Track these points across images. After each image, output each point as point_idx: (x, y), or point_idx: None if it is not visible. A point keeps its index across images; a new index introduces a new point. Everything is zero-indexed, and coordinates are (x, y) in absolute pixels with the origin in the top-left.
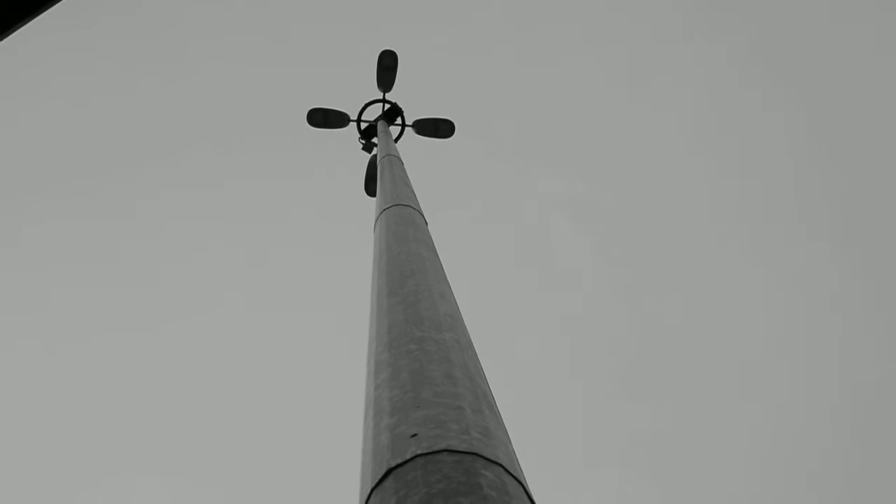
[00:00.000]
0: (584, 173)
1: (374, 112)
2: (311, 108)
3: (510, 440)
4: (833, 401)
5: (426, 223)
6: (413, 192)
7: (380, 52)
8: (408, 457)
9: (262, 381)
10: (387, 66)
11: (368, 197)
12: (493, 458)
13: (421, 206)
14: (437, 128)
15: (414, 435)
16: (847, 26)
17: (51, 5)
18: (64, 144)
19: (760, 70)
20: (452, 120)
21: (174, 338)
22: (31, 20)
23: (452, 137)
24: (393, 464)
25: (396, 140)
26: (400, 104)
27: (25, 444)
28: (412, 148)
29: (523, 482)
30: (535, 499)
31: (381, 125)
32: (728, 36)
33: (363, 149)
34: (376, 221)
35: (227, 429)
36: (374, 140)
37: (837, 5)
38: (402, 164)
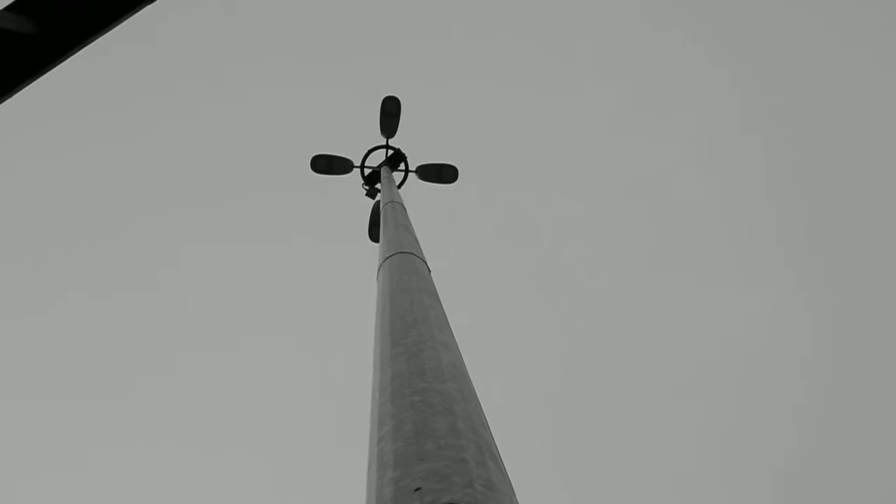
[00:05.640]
0: (587, 202)
1: (377, 157)
2: (315, 154)
3: (514, 492)
4: (799, 401)
5: (429, 270)
6: (416, 238)
7: (383, 98)
8: None
9: (265, 431)
10: (389, 113)
11: (373, 243)
12: None
13: (424, 252)
14: (441, 173)
15: (417, 489)
16: (846, 42)
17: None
18: (71, 199)
19: (761, 96)
20: (455, 165)
21: (176, 390)
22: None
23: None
24: None
25: (400, 186)
26: (404, 144)
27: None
28: (417, 191)
29: None
30: None
31: (384, 171)
32: (727, 63)
33: (367, 194)
34: (379, 270)
35: (232, 481)
36: (378, 186)
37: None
38: (405, 210)
